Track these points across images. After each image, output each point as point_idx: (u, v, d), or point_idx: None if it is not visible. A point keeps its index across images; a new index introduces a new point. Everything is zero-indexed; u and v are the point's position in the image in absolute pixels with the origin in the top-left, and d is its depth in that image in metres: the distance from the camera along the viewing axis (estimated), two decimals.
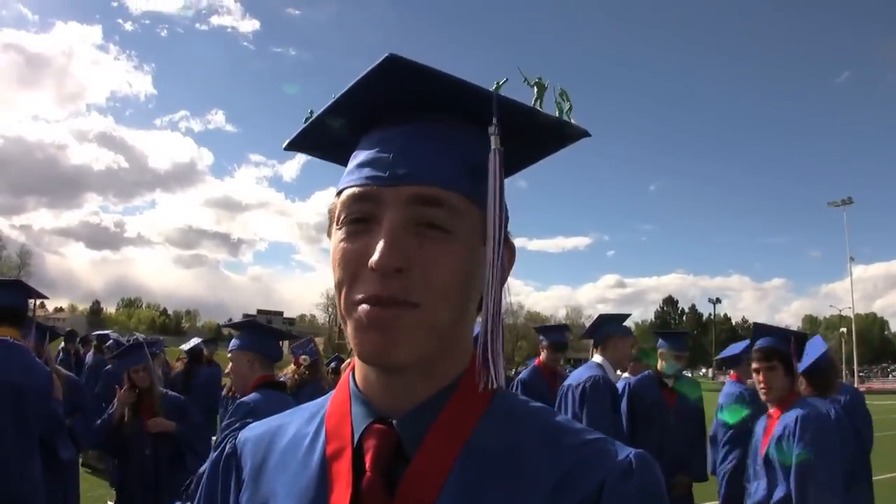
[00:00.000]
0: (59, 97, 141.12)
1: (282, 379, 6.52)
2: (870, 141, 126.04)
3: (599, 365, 4.73)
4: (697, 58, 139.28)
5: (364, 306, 0.74)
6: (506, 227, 0.82)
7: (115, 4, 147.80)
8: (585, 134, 0.86)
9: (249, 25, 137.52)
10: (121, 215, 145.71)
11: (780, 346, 3.53)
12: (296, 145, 0.92)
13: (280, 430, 0.90)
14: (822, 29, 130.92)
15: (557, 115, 0.90)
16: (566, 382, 4.78)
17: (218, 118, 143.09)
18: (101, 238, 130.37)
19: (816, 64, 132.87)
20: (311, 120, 0.87)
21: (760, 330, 3.82)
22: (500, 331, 0.77)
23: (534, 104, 0.94)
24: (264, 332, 3.61)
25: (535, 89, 0.99)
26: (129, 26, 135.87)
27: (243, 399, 3.18)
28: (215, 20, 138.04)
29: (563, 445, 0.78)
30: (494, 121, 0.77)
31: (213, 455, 0.94)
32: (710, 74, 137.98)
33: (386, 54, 0.74)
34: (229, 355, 3.50)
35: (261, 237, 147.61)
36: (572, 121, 0.89)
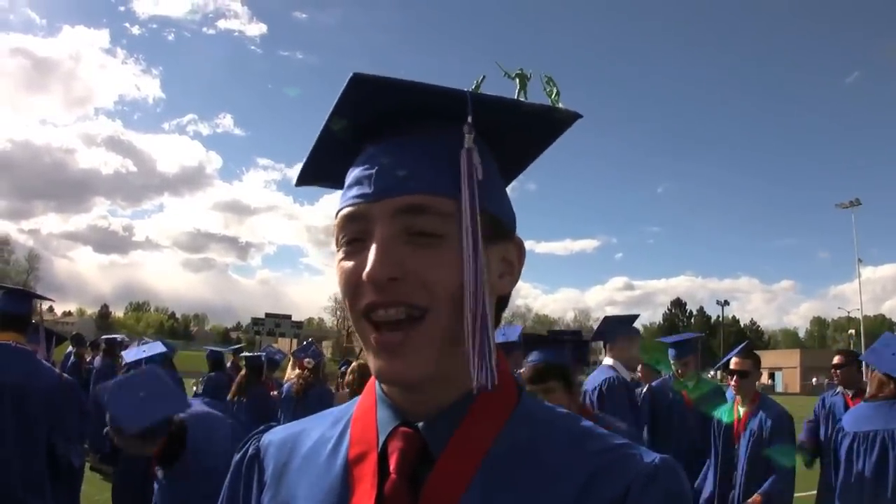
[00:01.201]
0: (66, 101, 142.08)
1: (287, 384, 6.56)
2: (879, 142, 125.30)
3: (611, 367, 4.72)
4: (705, 59, 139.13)
5: (375, 335, 0.76)
6: (509, 225, 0.84)
7: (121, 9, 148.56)
8: (577, 116, 0.85)
9: (256, 29, 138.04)
10: (129, 219, 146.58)
11: (556, 360, 2.86)
12: (305, 180, 0.94)
13: (303, 434, 0.91)
14: (831, 30, 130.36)
15: (549, 101, 0.87)
16: (583, 388, 4.74)
17: (226, 122, 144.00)
18: (109, 242, 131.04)
19: (825, 65, 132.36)
20: (308, 154, 0.88)
21: (530, 340, 3.12)
22: (487, 330, 0.75)
23: (517, 96, 0.92)
24: None
25: (517, 81, 0.95)
26: (136, 30, 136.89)
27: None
28: (222, 24, 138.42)
29: (588, 450, 0.78)
30: (469, 119, 0.76)
31: (236, 456, 0.95)
32: (717, 76, 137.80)
33: (350, 75, 0.75)
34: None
35: (269, 241, 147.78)
36: (560, 105, 0.88)
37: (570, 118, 0.85)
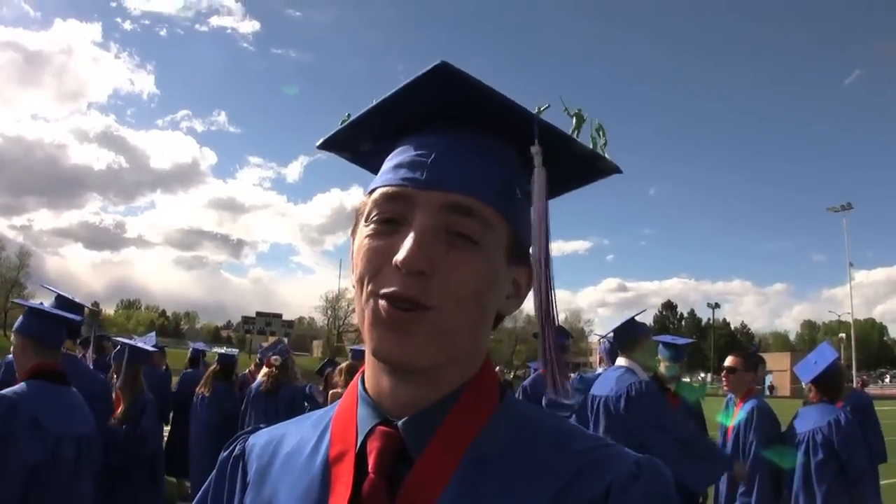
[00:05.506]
0: (59, 96, 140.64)
1: (255, 383, 6.51)
2: (872, 145, 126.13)
3: (630, 369, 4.29)
4: (698, 60, 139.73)
5: (384, 303, 0.75)
6: (528, 249, 0.84)
7: (113, 4, 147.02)
8: (617, 170, 0.87)
9: (249, 26, 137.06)
10: (121, 216, 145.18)
11: None
12: (329, 145, 0.93)
13: (287, 436, 0.91)
14: (826, 33, 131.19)
15: (592, 147, 0.92)
16: (600, 393, 4.31)
17: (221, 119, 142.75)
18: (100, 239, 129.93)
19: (823, 67, 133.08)
20: (349, 121, 0.87)
21: None
22: (552, 339, 0.80)
23: (571, 134, 0.96)
24: (44, 316, 3.34)
25: (574, 120, 1.04)
26: (127, 26, 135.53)
27: (3, 392, 2.94)
28: (215, 21, 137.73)
29: (571, 450, 0.78)
30: (536, 142, 0.79)
31: (222, 455, 0.95)
32: (710, 78, 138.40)
33: (437, 61, 0.76)
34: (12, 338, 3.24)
35: (262, 239, 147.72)
36: (606, 155, 0.90)
37: (610, 170, 0.87)
